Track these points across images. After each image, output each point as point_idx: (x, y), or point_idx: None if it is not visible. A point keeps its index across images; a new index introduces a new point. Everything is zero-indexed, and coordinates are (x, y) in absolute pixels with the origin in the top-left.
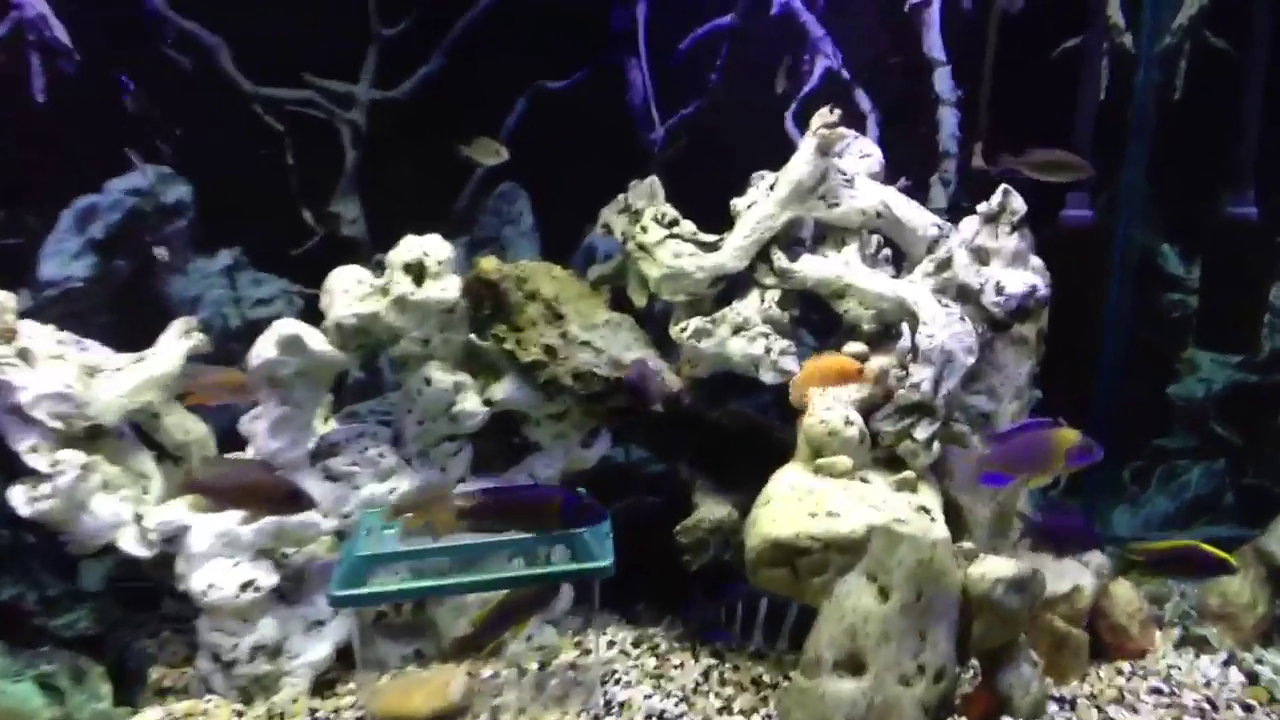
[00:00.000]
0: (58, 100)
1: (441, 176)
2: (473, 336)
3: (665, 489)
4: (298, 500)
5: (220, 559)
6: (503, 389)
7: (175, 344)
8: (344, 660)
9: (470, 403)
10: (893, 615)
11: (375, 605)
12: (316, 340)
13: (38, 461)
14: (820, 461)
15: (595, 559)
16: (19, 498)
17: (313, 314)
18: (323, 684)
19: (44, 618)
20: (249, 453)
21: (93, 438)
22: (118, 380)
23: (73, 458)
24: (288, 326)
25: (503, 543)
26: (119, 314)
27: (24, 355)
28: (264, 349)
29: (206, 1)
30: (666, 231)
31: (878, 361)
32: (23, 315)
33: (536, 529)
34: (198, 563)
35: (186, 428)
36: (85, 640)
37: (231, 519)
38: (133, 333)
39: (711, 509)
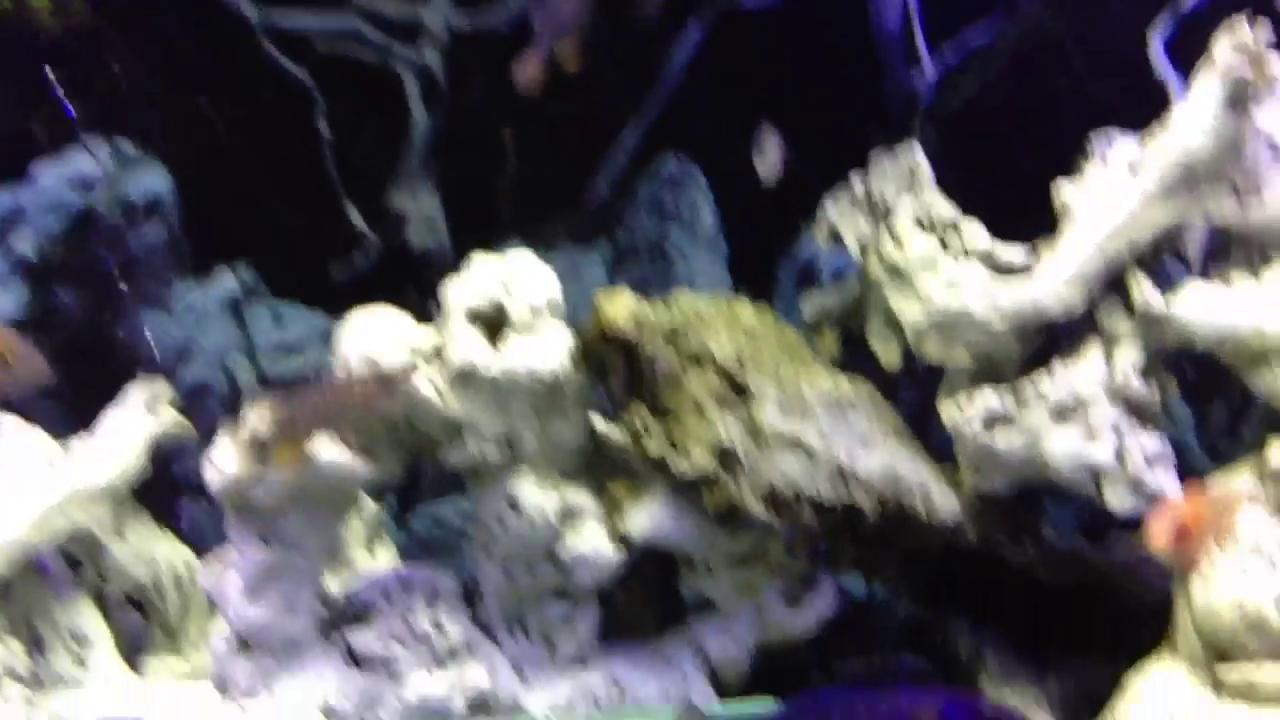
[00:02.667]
0: None
1: (568, 148)
2: (599, 422)
3: (928, 647)
4: None
5: None
6: (646, 517)
7: (130, 428)
8: None
9: (589, 540)
10: None
11: None
12: (321, 444)
13: None
14: (1228, 673)
15: None
16: None
17: None
18: None
19: None
20: (219, 622)
21: None
22: (19, 502)
23: None
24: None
25: None
26: (66, 374)
27: None
28: (227, 459)
29: None
30: (937, 242)
31: None
32: None
33: None
34: None
35: (145, 555)
36: None
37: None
38: (85, 405)
39: None
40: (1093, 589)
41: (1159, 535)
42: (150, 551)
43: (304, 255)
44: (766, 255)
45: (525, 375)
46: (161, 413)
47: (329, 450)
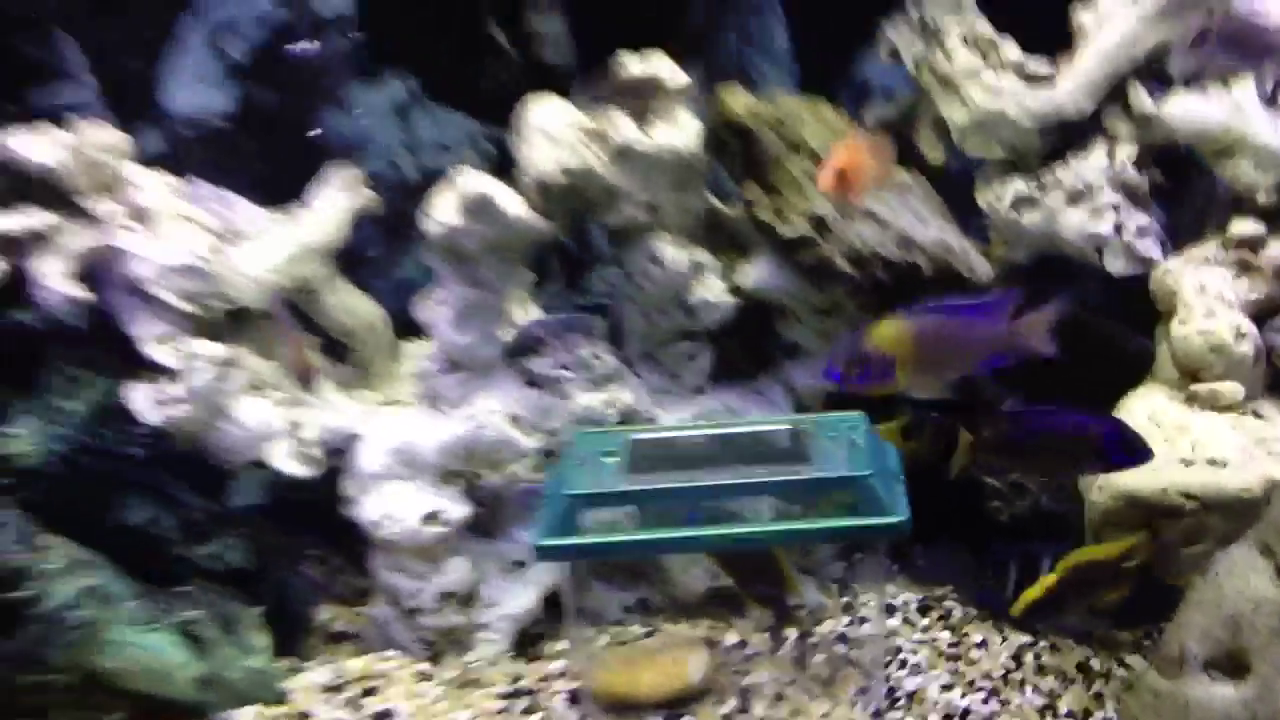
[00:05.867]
0: None
1: None
2: (714, 200)
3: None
4: None
5: (397, 482)
6: (754, 272)
7: (336, 201)
8: (552, 610)
9: (712, 289)
10: None
11: (594, 559)
12: (512, 203)
13: (165, 355)
14: (1198, 388)
15: (882, 505)
16: (143, 400)
17: (506, 164)
18: (526, 639)
19: (185, 547)
20: (429, 345)
21: (235, 322)
22: (265, 249)
23: (211, 350)
24: (475, 183)
25: (762, 484)
26: (264, 161)
27: (142, 215)
28: (444, 213)
29: None
30: (980, 58)
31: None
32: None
33: (1066, 469)
34: (369, 485)
35: (349, 308)
36: (237, 575)
37: (411, 430)
38: (277, 186)
39: None
40: (1097, 345)
41: (824, 179)
42: (347, 303)
43: (456, 68)
44: (826, 76)
45: (668, 152)
46: (359, 189)
47: (517, 206)
